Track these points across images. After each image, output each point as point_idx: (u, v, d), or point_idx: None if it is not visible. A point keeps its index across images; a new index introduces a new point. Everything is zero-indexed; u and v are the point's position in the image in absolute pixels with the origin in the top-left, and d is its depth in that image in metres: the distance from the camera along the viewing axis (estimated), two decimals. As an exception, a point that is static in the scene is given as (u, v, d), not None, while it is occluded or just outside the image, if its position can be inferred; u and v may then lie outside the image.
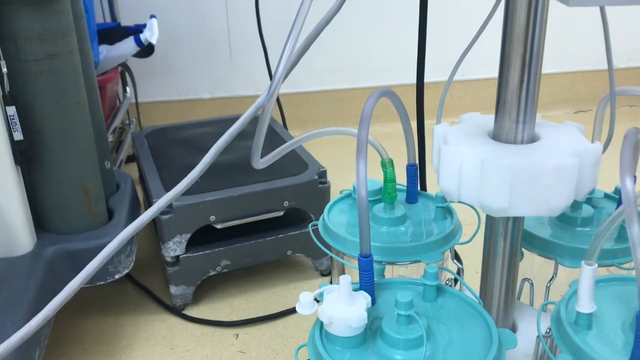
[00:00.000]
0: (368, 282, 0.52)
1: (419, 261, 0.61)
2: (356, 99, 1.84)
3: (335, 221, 0.68)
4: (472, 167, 0.50)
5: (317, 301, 0.51)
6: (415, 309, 0.49)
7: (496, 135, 0.53)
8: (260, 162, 0.56)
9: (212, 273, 1.08)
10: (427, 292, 0.53)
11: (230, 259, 1.08)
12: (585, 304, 0.49)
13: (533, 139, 0.53)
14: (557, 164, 0.48)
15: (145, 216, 0.49)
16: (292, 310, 1.07)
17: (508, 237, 0.55)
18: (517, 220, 0.55)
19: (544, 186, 0.48)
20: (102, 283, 0.91)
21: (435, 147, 0.55)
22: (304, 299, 0.50)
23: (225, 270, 1.09)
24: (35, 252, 0.86)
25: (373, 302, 0.53)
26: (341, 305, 0.48)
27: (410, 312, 0.48)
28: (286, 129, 1.39)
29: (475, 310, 0.52)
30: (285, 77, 0.50)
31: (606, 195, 0.69)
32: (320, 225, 0.68)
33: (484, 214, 0.56)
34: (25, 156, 0.82)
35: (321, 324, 0.50)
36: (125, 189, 1.06)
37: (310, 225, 0.69)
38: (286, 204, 1.08)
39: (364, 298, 0.50)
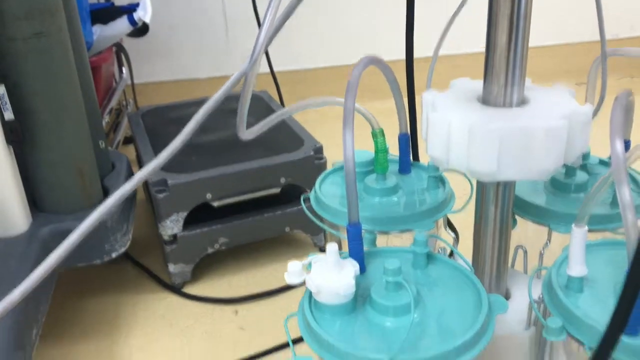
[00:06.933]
0: (357, 251, 0.52)
1: (411, 230, 0.61)
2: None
3: (328, 193, 0.68)
4: (460, 133, 0.49)
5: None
6: (404, 276, 0.48)
7: (485, 100, 0.52)
8: (246, 133, 0.55)
9: (210, 251, 1.08)
10: (416, 260, 0.53)
11: (228, 236, 1.08)
12: (576, 268, 0.48)
13: (522, 102, 0.52)
14: (546, 126, 0.47)
15: (117, 195, 0.48)
16: (292, 286, 1.07)
17: (499, 203, 0.55)
18: (508, 186, 0.54)
19: (532, 149, 0.47)
20: (99, 262, 0.92)
21: (423, 115, 0.55)
22: (292, 268, 0.50)
23: (223, 248, 1.09)
24: (30, 232, 0.86)
25: (362, 270, 0.53)
26: (329, 274, 0.48)
27: (398, 278, 0.48)
28: (283, 106, 1.38)
29: (465, 277, 0.51)
30: (269, 43, 0.49)
31: (601, 162, 0.69)
32: (312, 198, 0.68)
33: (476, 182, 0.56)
34: (17, 135, 0.82)
35: (310, 293, 0.50)
36: (121, 169, 1.06)
37: (302, 197, 0.68)
38: (282, 180, 1.07)
39: (352, 266, 0.49)
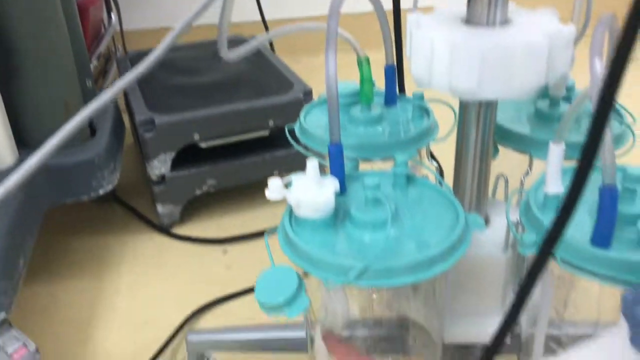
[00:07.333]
0: (338, 170, 0.52)
1: (393, 158, 0.61)
2: (349, 26, 1.80)
3: (313, 123, 0.68)
4: (442, 49, 0.49)
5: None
6: (384, 194, 0.49)
7: (469, 20, 0.52)
8: (229, 53, 0.55)
9: (198, 193, 1.08)
10: (397, 180, 0.53)
11: (217, 178, 1.08)
12: (553, 185, 0.49)
13: (505, 22, 0.51)
14: (527, 42, 0.47)
15: (102, 100, 0.48)
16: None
17: (480, 126, 0.55)
18: (490, 108, 0.54)
19: (513, 65, 0.47)
20: (86, 198, 0.92)
21: (408, 34, 0.54)
22: (272, 185, 0.50)
23: (212, 190, 1.09)
24: (16, 167, 0.86)
25: (343, 191, 0.53)
26: (309, 188, 0.48)
27: (377, 194, 0.48)
28: (274, 52, 1.37)
29: (443, 197, 0.52)
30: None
31: (586, 95, 0.69)
32: (297, 128, 0.68)
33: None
34: (1, 68, 0.82)
35: (291, 210, 0.51)
36: (108, 108, 1.05)
37: (286, 127, 0.68)
38: (271, 123, 1.07)
39: (332, 182, 0.50)
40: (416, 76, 0.52)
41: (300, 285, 0.46)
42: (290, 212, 0.51)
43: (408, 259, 0.44)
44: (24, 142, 0.92)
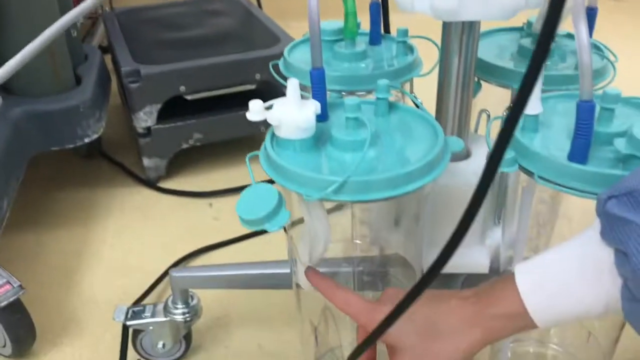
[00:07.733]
0: (319, 95, 0.52)
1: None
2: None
3: (297, 58, 0.67)
4: (423, -29, 0.49)
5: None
6: (365, 117, 0.49)
7: (451, -56, 0.52)
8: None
9: (184, 146, 1.08)
10: (379, 106, 0.54)
11: (203, 132, 1.08)
12: (532, 106, 0.49)
13: (487, -55, 0.51)
14: (508, -40, 0.47)
15: (62, 21, 0.47)
16: (267, 183, 1.08)
17: (462, 52, 0.55)
18: (472, 35, 0.54)
19: (494, -16, 0.47)
20: (71, 146, 0.92)
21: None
22: (253, 107, 0.50)
23: (198, 144, 1.09)
24: (1, 113, 0.86)
25: (325, 118, 0.54)
26: (290, 109, 0.49)
27: (357, 114, 0.48)
28: (261, 8, 1.36)
29: (424, 120, 0.52)
30: None
31: (568, 34, 0.69)
32: (281, 63, 0.68)
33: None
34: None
35: (272, 133, 0.51)
36: (94, 60, 1.05)
37: (270, 63, 0.68)
38: (258, 77, 1.07)
39: (312, 103, 0.50)
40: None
41: (281, 201, 0.47)
42: (272, 134, 0.51)
43: (387, 173, 0.44)
44: (9, 90, 0.91)
